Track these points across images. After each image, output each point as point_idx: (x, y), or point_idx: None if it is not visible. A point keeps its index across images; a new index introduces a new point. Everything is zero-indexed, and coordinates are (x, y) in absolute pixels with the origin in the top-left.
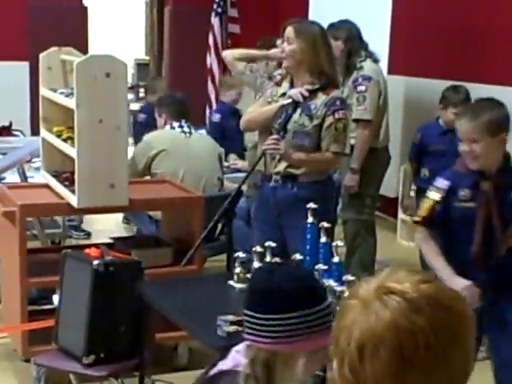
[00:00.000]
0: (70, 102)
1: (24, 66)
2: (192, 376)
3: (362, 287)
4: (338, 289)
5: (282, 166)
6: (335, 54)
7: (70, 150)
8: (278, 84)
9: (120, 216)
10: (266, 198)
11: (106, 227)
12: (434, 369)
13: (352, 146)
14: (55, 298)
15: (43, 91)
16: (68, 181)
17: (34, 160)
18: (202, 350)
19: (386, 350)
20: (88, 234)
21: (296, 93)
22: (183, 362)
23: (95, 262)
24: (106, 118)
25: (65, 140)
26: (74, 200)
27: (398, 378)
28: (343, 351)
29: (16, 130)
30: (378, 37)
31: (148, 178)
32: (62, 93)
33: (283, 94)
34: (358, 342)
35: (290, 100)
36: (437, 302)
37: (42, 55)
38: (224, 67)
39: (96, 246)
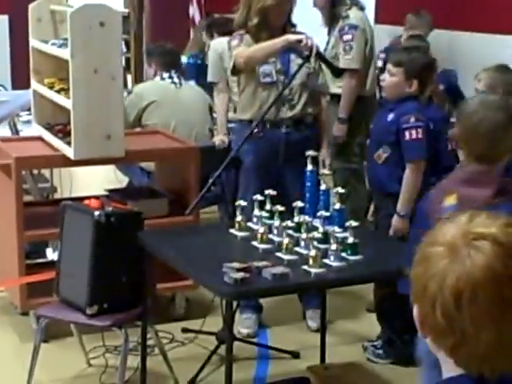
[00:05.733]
0: (64, 53)
1: (3, 20)
2: (189, 325)
3: (444, 234)
4: (341, 235)
5: (297, 109)
6: (319, 3)
7: (65, 102)
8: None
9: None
10: (275, 144)
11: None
12: None
13: (339, 96)
14: (49, 252)
15: (34, 42)
16: (62, 133)
17: (21, 114)
18: (199, 300)
19: (486, 295)
20: None
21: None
22: (180, 312)
23: (96, 213)
24: (101, 68)
25: (58, 91)
26: (70, 152)
27: (498, 322)
28: (434, 298)
29: None
30: None
31: (139, 129)
32: (53, 44)
33: None
34: (454, 289)
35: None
36: None
37: (31, 6)
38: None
39: (96, 197)
